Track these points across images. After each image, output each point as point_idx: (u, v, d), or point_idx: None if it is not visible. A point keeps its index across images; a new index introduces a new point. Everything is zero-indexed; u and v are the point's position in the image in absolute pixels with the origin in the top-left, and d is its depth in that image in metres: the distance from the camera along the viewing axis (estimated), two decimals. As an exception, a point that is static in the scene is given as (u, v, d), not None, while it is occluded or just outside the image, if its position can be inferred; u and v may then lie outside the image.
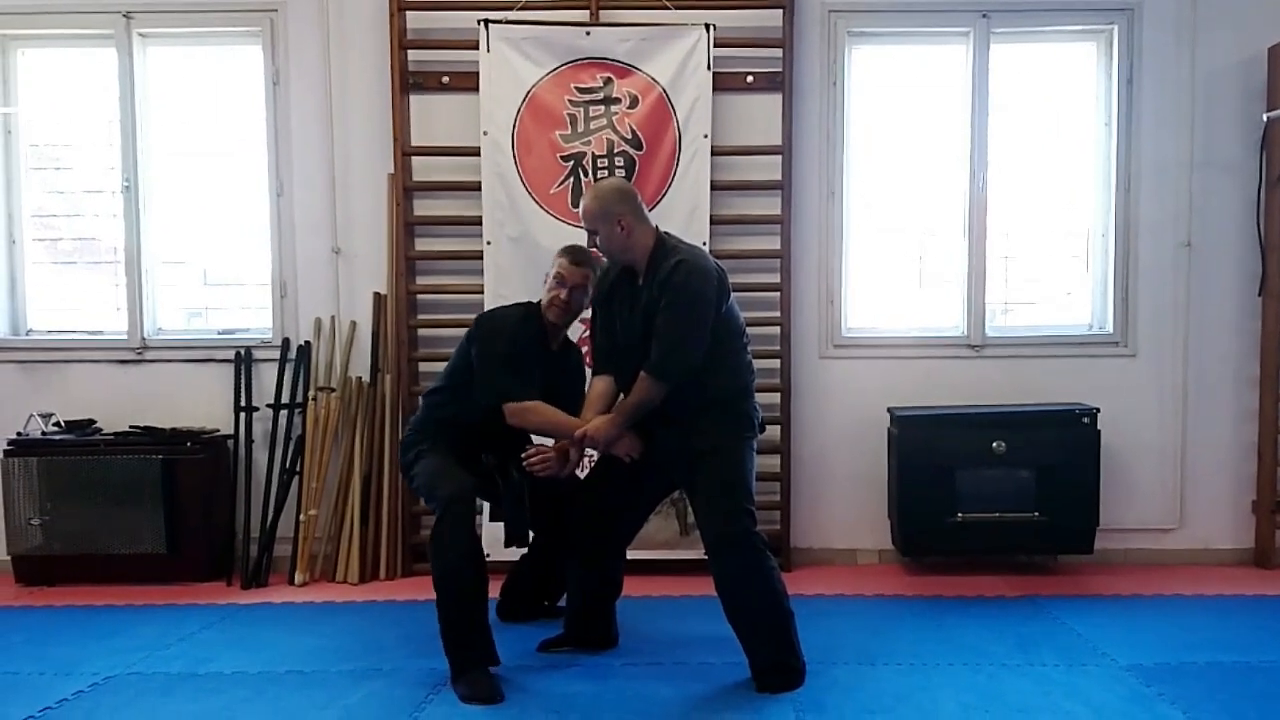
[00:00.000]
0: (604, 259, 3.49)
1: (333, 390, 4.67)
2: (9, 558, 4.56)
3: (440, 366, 4.64)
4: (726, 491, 3.20)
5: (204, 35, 4.80)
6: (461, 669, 3.19)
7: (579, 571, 3.53)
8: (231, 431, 4.69)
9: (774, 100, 4.65)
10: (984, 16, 4.70)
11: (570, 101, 4.55)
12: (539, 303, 3.56)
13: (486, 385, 3.42)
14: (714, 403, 3.25)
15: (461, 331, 4.58)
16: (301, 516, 4.59)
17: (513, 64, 4.53)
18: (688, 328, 3.17)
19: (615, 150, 4.55)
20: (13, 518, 4.50)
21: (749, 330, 3.43)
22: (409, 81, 4.65)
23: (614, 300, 3.38)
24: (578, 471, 3.58)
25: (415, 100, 4.68)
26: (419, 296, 4.74)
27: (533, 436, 3.58)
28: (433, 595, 4.12)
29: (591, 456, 3.64)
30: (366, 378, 4.69)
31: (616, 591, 3.59)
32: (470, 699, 3.10)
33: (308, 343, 4.73)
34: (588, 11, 4.61)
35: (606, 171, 4.52)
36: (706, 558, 3.25)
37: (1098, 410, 4.50)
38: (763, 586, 3.16)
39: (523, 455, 3.48)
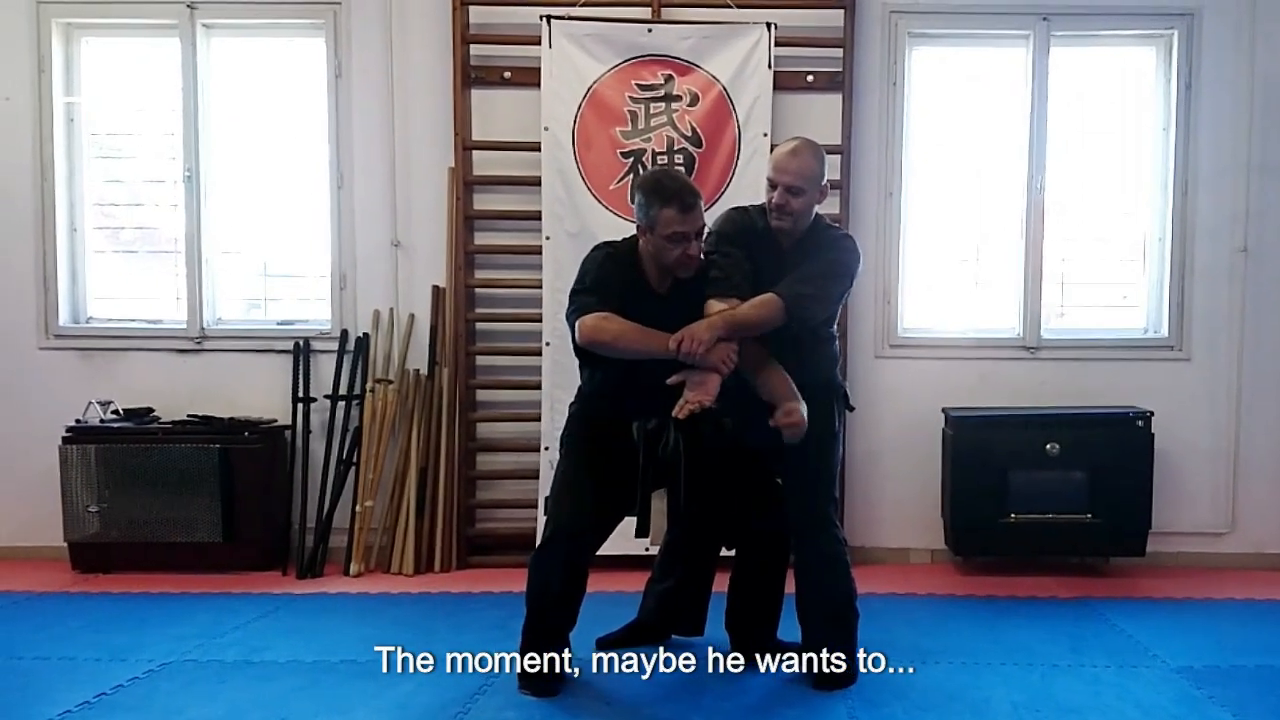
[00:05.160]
0: (775, 221, 3.00)
1: (390, 382, 4.49)
2: (66, 544, 4.40)
3: (498, 360, 4.61)
4: (819, 479, 3.08)
5: (267, 27, 4.64)
6: (526, 659, 3.04)
7: (690, 553, 3.32)
8: (289, 422, 4.53)
9: (834, 100, 4.47)
10: (1044, 19, 4.50)
11: (631, 98, 4.38)
12: (625, 240, 3.03)
13: (568, 320, 2.92)
14: (816, 385, 3.04)
15: (519, 326, 4.51)
16: (357, 507, 4.42)
17: (574, 60, 4.35)
18: (833, 283, 2.96)
19: (675, 147, 4.36)
20: (71, 505, 4.34)
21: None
22: (470, 76, 4.48)
23: (751, 247, 3.02)
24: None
25: (476, 95, 4.52)
26: (477, 290, 4.57)
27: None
28: (487, 588, 4.14)
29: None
30: (424, 370, 4.52)
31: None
32: (525, 689, 3.00)
33: (366, 335, 4.55)
34: (650, 9, 4.45)
35: (666, 169, 4.31)
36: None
37: (1152, 413, 4.33)
38: (842, 578, 3.09)
39: (674, 412, 2.83)
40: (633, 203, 3.00)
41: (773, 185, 2.96)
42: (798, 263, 2.95)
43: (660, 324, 2.83)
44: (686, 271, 2.92)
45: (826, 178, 3.02)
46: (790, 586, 3.21)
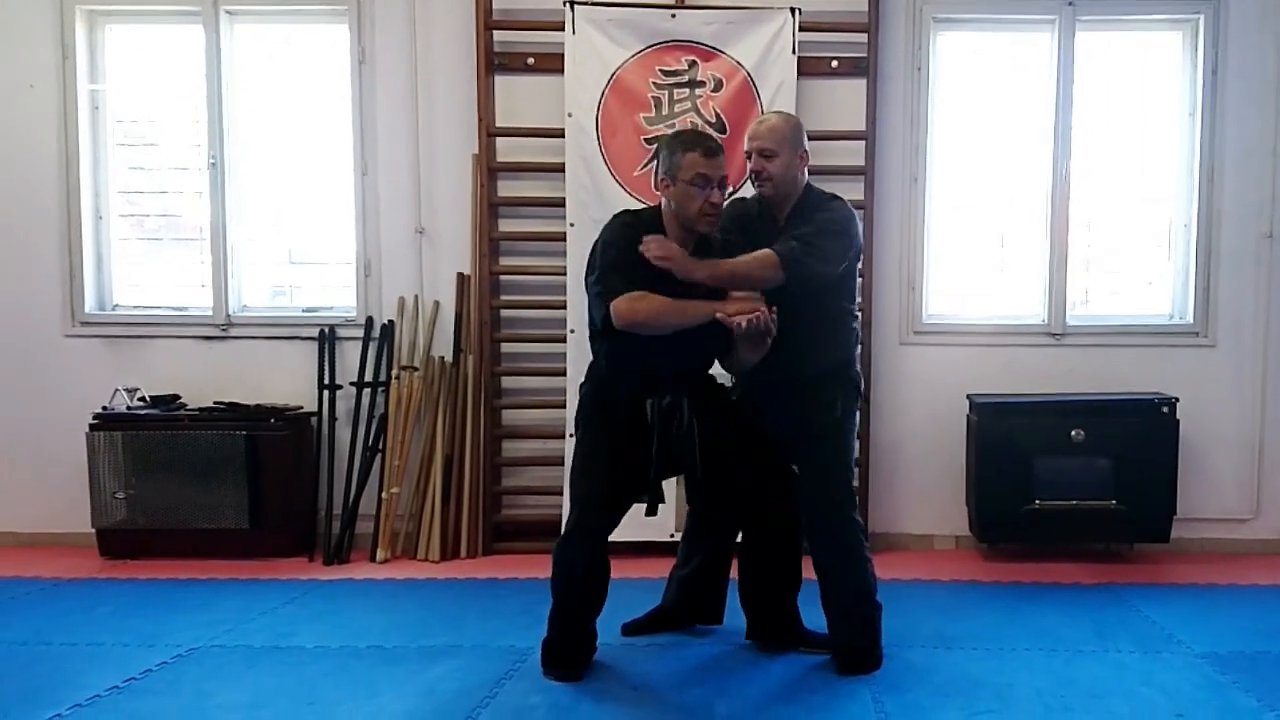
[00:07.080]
0: (757, 189, 3.00)
1: (415, 369, 4.43)
2: (94, 531, 4.34)
3: (522, 347, 4.52)
4: (833, 478, 3.02)
5: (290, 13, 4.55)
6: (553, 646, 3.01)
7: (707, 540, 3.26)
8: (315, 409, 4.47)
9: (858, 86, 4.38)
10: (1069, 4, 4.40)
11: (655, 84, 4.30)
12: (647, 209, 3.01)
13: (592, 293, 2.86)
14: (827, 372, 2.99)
15: (544, 313, 4.43)
16: (383, 494, 4.36)
17: (598, 46, 4.27)
18: (827, 239, 2.86)
19: (699, 133, 4.26)
20: (98, 491, 4.29)
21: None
22: (494, 62, 4.40)
23: (750, 231, 2.97)
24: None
25: (500, 81, 4.43)
26: (502, 277, 4.50)
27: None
28: (513, 574, 4.09)
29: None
30: (449, 357, 4.45)
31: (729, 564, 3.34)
32: (550, 674, 2.97)
33: (391, 322, 4.49)
34: (674, -6, 4.35)
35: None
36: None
37: (1176, 400, 4.25)
38: (859, 576, 3.04)
39: (727, 316, 2.73)
40: (656, 160, 2.96)
41: (749, 155, 2.96)
42: (799, 226, 2.91)
43: (683, 291, 2.78)
44: (709, 226, 2.88)
45: (803, 140, 2.97)
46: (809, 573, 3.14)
